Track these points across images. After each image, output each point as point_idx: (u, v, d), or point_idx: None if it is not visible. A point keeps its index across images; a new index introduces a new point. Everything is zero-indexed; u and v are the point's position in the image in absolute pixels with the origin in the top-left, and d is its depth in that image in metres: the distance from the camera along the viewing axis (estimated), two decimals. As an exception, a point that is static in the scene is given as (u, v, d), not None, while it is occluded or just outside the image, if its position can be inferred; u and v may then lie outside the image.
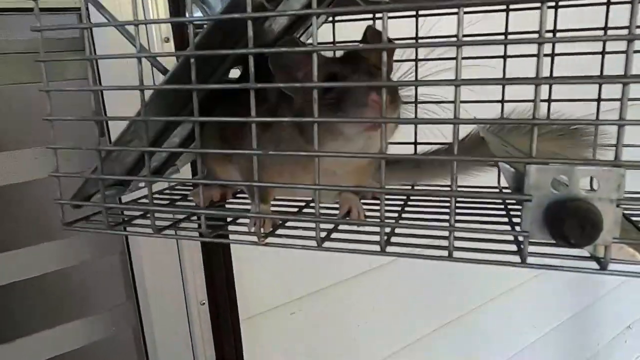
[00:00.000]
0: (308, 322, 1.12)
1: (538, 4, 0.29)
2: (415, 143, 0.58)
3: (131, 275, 0.89)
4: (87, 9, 0.37)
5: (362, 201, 0.49)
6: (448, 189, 0.33)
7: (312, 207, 0.49)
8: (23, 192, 0.87)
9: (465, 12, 0.31)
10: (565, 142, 0.52)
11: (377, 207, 0.46)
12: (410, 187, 0.56)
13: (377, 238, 0.35)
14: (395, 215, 0.46)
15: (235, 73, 0.51)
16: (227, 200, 0.53)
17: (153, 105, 0.39)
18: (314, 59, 0.32)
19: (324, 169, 0.36)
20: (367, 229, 0.38)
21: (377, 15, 0.53)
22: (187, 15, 0.35)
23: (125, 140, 0.42)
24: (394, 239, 0.37)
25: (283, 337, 1.09)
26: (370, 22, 0.52)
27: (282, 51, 0.35)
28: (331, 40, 0.57)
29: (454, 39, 0.30)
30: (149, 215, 0.40)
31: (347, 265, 1.13)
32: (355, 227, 0.39)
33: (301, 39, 0.57)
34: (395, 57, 0.45)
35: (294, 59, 0.40)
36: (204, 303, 0.92)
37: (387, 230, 0.37)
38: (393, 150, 0.54)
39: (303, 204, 0.50)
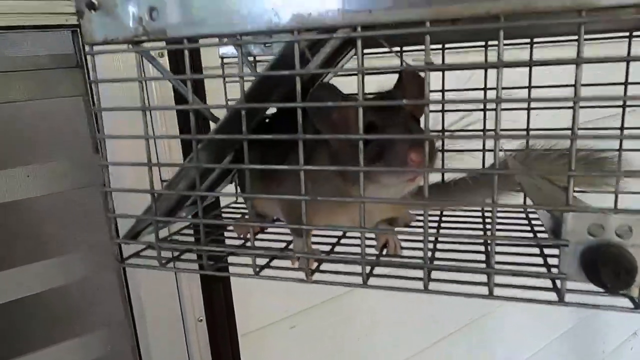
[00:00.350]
0: (308, 336, 1.10)
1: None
2: (443, 170, 0.60)
3: (127, 293, 0.89)
4: (141, 63, 0.40)
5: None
6: (482, 232, 0.35)
7: (350, 237, 0.52)
8: (17, 210, 0.89)
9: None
10: (590, 169, 0.54)
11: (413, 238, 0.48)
12: (439, 215, 0.58)
13: (417, 273, 0.38)
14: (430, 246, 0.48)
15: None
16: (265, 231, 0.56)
17: (202, 150, 0.42)
18: (359, 114, 0.34)
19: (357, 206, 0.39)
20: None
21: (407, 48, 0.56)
22: (237, 70, 0.38)
23: (175, 182, 0.45)
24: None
25: (283, 352, 1.07)
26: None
27: (328, 106, 0.37)
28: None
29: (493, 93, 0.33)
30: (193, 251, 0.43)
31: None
32: (396, 262, 0.41)
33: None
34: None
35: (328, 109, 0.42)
36: (201, 320, 0.91)
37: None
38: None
39: (341, 233, 0.52)
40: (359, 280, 0.39)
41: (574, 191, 0.57)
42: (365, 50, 0.56)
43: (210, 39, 0.38)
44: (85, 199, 0.82)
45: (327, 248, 0.49)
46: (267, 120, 0.53)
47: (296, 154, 0.37)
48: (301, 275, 0.41)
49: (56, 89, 0.74)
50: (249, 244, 0.41)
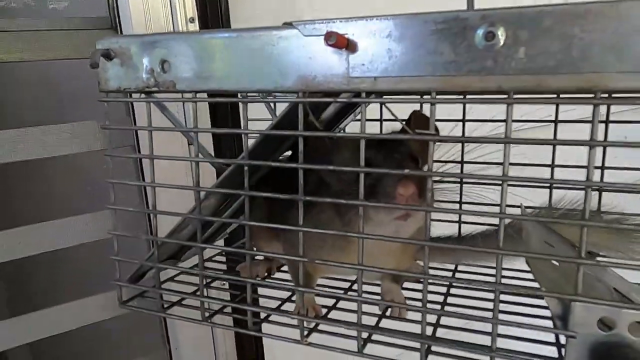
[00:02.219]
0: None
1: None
2: (460, 222, 0.58)
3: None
4: (149, 115, 0.40)
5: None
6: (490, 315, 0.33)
7: (355, 290, 0.50)
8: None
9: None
10: (621, 236, 0.50)
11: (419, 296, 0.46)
12: (452, 272, 0.55)
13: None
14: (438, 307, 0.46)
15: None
16: (272, 276, 0.55)
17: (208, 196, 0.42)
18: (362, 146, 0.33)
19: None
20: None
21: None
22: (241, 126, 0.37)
23: (181, 227, 0.45)
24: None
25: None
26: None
27: (338, 169, 0.36)
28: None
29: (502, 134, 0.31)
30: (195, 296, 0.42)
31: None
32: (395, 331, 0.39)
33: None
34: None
35: (329, 146, 0.42)
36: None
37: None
38: (437, 227, 0.54)
39: (346, 285, 0.51)
40: (355, 346, 0.37)
41: (599, 255, 0.54)
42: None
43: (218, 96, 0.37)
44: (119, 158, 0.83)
45: (332, 302, 0.48)
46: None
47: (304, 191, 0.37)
48: (299, 332, 0.40)
49: (92, 49, 0.77)
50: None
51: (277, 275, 0.56)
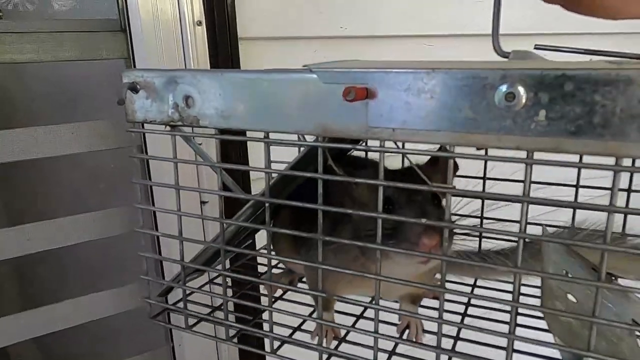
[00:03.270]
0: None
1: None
2: (480, 237, 0.58)
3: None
4: (174, 147, 0.42)
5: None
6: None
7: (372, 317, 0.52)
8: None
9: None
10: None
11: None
12: (471, 289, 0.56)
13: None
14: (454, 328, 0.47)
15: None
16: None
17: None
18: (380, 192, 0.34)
19: None
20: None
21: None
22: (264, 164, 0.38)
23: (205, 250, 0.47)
24: None
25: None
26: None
27: (355, 213, 0.37)
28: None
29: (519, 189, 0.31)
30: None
31: None
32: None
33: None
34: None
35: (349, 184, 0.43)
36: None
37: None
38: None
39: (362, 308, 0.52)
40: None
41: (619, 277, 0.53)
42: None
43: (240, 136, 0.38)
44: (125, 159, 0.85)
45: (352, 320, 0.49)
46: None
47: (325, 222, 0.38)
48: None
49: (101, 51, 0.79)
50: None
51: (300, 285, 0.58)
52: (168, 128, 0.42)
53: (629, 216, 0.52)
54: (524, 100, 0.29)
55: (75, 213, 0.80)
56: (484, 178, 0.54)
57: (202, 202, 0.81)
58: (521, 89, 0.29)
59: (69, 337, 0.87)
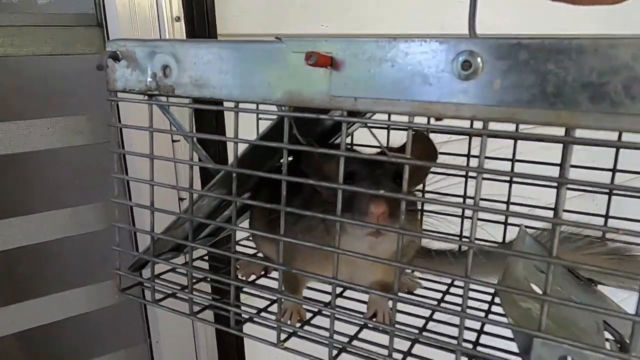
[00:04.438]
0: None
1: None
2: (461, 236, 0.57)
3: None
4: (151, 117, 0.42)
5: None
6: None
7: (344, 297, 0.51)
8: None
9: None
10: (618, 262, 0.49)
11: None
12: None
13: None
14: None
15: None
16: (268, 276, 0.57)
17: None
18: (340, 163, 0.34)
19: (347, 258, 0.39)
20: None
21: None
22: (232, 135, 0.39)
23: (176, 224, 0.47)
24: None
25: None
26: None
27: (316, 184, 0.37)
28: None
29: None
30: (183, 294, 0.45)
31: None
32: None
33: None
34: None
35: (319, 159, 0.43)
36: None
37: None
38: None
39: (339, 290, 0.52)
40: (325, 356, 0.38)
41: (599, 283, 0.52)
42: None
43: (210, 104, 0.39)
44: (101, 154, 0.85)
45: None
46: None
47: (295, 201, 0.38)
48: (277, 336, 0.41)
49: (77, 46, 0.77)
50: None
51: (274, 274, 0.58)
52: (146, 98, 0.43)
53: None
54: (480, 69, 0.29)
55: (51, 209, 0.79)
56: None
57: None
58: (477, 58, 0.29)
59: (45, 333, 0.85)
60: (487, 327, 0.45)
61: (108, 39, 0.77)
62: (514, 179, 0.56)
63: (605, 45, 0.26)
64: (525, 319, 0.34)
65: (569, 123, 0.27)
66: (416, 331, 0.43)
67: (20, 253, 0.79)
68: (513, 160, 0.56)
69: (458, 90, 0.30)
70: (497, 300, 0.51)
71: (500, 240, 0.58)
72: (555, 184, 0.29)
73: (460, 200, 0.58)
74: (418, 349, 0.41)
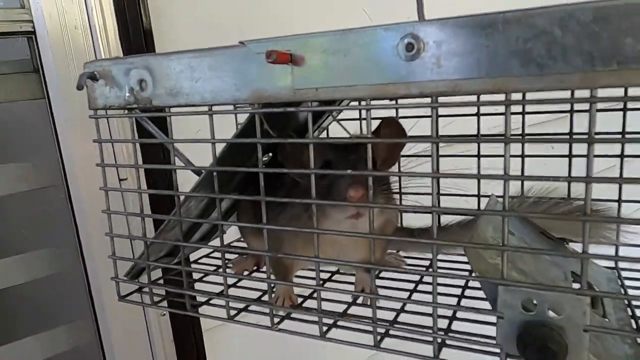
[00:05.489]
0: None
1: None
2: (440, 212, 0.60)
3: (88, 288, 0.85)
4: (133, 129, 0.45)
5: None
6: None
7: (333, 281, 0.54)
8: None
9: (441, 116, 0.35)
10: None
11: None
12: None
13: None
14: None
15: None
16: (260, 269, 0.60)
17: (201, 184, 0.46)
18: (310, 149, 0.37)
19: (331, 240, 0.44)
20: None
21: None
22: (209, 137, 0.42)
23: (167, 228, 0.50)
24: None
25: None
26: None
27: (291, 172, 0.40)
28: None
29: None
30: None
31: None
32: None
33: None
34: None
35: (296, 149, 0.46)
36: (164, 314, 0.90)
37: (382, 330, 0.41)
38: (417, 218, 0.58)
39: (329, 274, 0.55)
40: (316, 332, 0.41)
41: (570, 241, 0.56)
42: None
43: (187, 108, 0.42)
44: (47, 198, 0.83)
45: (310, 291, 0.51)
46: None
47: (278, 194, 0.41)
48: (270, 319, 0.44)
49: (15, 93, 0.77)
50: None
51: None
52: (126, 112, 0.45)
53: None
54: (422, 49, 0.32)
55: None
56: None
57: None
58: (418, 40, 0.32)
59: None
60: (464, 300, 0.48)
61: (46, 84, 0.77)
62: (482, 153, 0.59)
63: (526, 15, 0.29)
64: (492, 273, 0.37)
65: (505, 89, 0.30)
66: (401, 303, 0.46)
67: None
68: (478, 135, 0.59)
69: (406, 71, 0.33)
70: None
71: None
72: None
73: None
74: (403, 317, 0.43)
